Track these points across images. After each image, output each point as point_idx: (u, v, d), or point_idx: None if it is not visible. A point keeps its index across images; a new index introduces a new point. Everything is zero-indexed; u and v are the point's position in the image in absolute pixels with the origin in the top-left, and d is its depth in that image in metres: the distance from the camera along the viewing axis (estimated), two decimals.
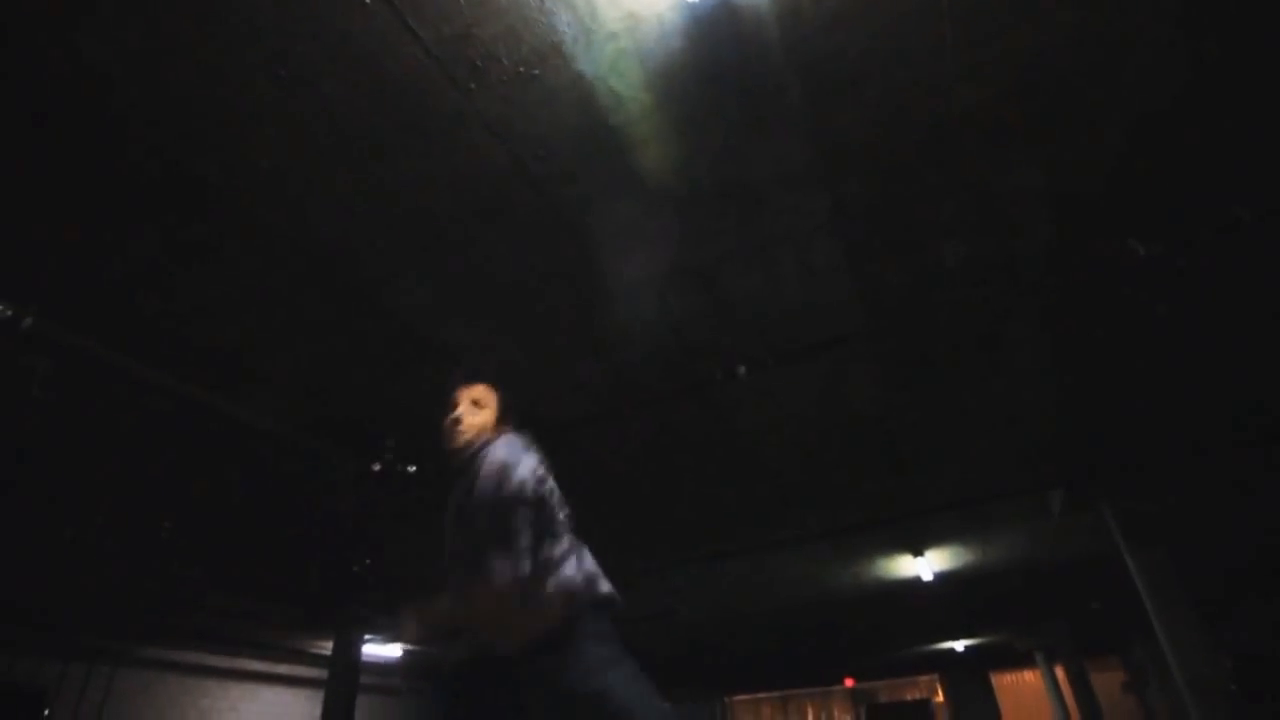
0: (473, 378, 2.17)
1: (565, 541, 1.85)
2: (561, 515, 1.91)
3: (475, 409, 2.09)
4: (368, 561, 6.79)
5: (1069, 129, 3.12)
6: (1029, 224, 3.66)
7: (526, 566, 1.64)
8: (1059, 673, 15.89)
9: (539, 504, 1.83)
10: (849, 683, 20.73)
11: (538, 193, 3.23)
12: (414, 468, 5.10)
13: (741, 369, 4.52)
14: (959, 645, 17.07)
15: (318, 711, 8.33)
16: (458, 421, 2.05)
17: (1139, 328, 4.61)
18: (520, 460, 1.87)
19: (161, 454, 5.10)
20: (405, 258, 3.57)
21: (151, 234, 3.31)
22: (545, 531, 1.80)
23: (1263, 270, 4.15)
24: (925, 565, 9.58)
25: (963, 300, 4.17)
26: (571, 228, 3.46)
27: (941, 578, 10.41)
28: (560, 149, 3.02)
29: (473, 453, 2.00)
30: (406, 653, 12.19)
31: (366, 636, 8.17)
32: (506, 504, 1.75)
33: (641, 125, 2.94)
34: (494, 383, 2.17)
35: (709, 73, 2.75)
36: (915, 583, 10.62)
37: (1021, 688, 20.24)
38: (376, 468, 5.03)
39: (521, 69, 2.67)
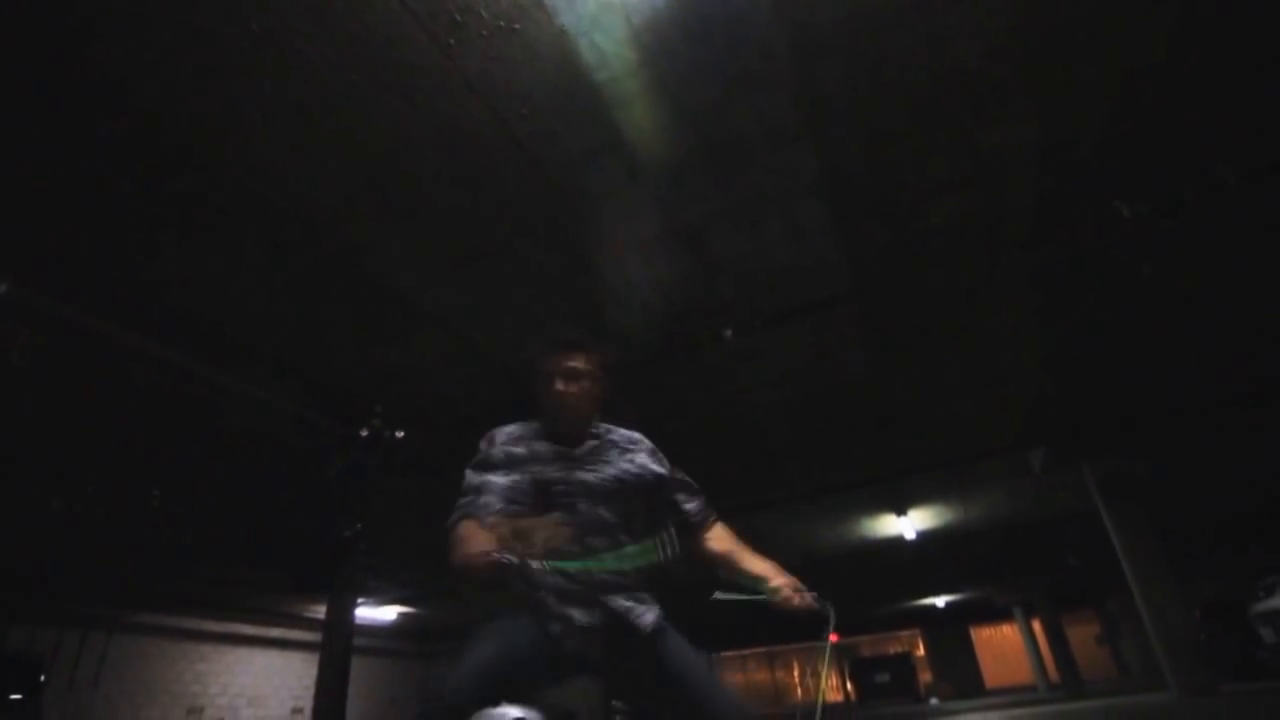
0: (581, 344, 1.75)
1: None
2: None
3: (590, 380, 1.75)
4: (359, 526, 6.83)
5: (1057, 87, 3.09)
6: (1016, 184, 3.65)
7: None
8: (1036, 626, 16.41)
9: None
10: (833, 638, 21.29)
11: (522, 152, 3.17)
12: (401, 433, 5.10)
13: (728, 331, 4.52)
14: (940, 601, 17.54)
15: (312, 673, 8.47)
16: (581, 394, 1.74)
17: (1123, 289, 4.65)
18: None
19: (151, 422, 5.06)
20: (388, 220, 3.51)
21: (126, 194, 3.22)
22: None
23: (1247, 232, 4.18)
24: (908, 524, 9.79)
25: (949, 261, 4.17)
26: (557, 189, 3.41)
27: (924, 536, 10.64)
28: (543, 107, 2.95)
29: (599, 431, 1.79)
30: (400, 615, 12.38)
31: (359, 600, 8.27)
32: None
33: (626, 82, 2.88)
34: (604, 350, 1.79)
35: (694, 29, 2.68)
36: (899, 541, 10.84)
37: (1000, 641, 20.89)
38: (364, 433, 5.02)
39: (502, 23, 2.59)
